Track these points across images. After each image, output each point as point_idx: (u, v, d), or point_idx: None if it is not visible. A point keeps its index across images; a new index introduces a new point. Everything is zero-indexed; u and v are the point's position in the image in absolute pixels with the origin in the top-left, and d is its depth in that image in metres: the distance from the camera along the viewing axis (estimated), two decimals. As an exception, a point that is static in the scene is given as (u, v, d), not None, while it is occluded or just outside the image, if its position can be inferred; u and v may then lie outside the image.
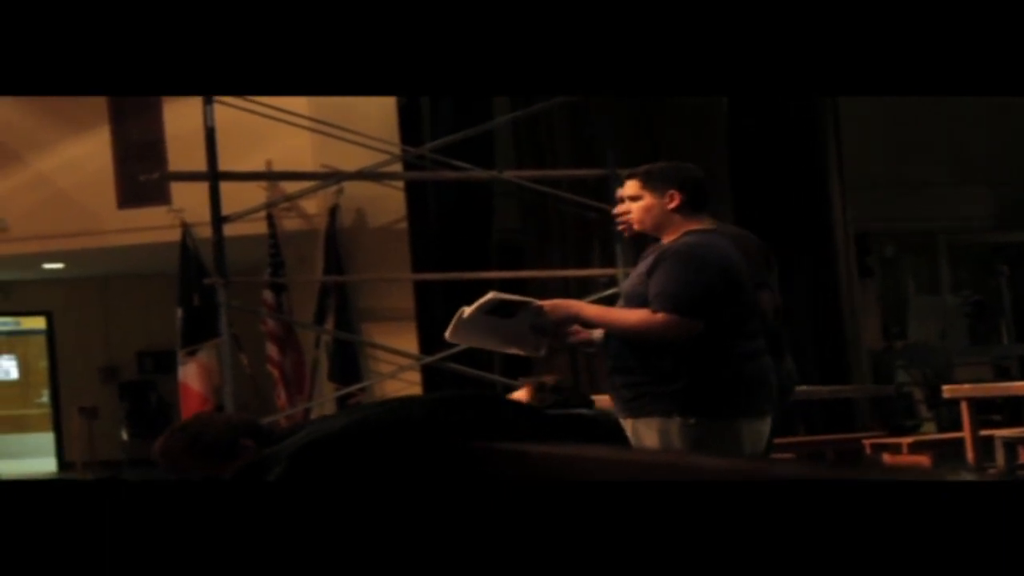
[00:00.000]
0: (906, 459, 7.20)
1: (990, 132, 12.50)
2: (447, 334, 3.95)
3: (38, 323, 15.70)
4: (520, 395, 4.15)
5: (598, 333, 3.96)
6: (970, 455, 6.41)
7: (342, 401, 9.55)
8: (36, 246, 11.33)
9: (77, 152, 10.94)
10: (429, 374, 9.70)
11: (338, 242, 10.12)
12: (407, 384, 9.70)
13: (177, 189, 10.35)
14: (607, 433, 3.74)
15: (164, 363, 12.92)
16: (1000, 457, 6.71)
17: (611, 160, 9.09)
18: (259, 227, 10.00)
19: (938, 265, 14.18)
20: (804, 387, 6.71)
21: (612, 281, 9.03)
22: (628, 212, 4.02)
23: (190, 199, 9.88)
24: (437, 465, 3.15)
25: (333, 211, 10.11)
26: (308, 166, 10.00)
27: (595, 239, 9.71)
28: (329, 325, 10.03)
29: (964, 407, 6.49)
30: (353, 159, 9.62)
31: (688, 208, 3.90)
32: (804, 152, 10.06)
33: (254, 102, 9.03)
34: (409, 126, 10.05)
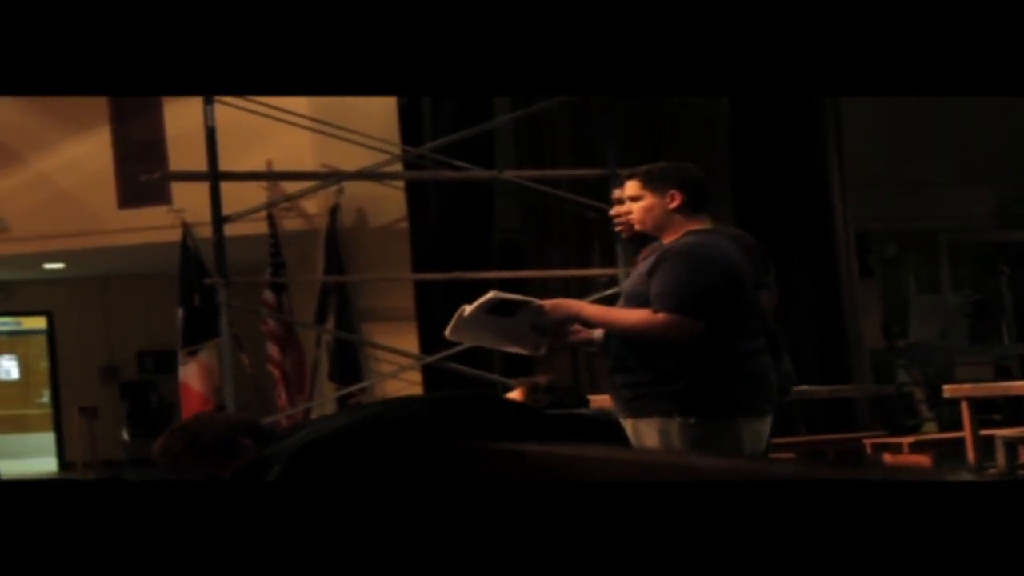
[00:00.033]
0: (907, 459, 7.20)
1: (990, 132, 12.50)
2: (447, 331, 3.95)
3: (39, 323, 15.70)
4: (514, 396, 4.15)
5: (598, 333, 3.96)
6: (971, 455, 6.41)
7: (343, 401, 9.55)
8: (37, 246, 11.33)
9: (77, 152, 10.94)
10: (430, 374, 9.70)
11: (339, 242, 10.12)
12: (408, 384, 9.70)
13: (178, 189, 10.35)
14: (607, 433, 3.74)
15: (165, 363, 12.92)
16: (1001, 457, 6.71)
17: (611, 160, 9.09)
18: (260, 227, 10.00)
19: (939, 265, 14.18)
20: (805, 387, 6.72)
21: (612, 281, 9.03)
22: (628, 213, 4.02)
23: (191, 199, 9.88)
24: (437, 465, 3.15)
25: (334, 211, 10.11)
26: (308, 166, 10.00)
27: (595, 239, 9.72)
28: (330, 325, 10.03)
29: (965, 407, 6.49)
30: (353, 159, 9.62)
31: (689, 208, 3.90)
32: (805, 152, 10.06)
33: (254, 102, 9.03)
34: (410, 126, 10.04)
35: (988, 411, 9.05)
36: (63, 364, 14.82)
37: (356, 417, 3.47)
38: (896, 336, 13.34)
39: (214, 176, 8.88)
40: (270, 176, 10.01)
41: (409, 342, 9.98)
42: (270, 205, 10.01)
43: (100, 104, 10.78)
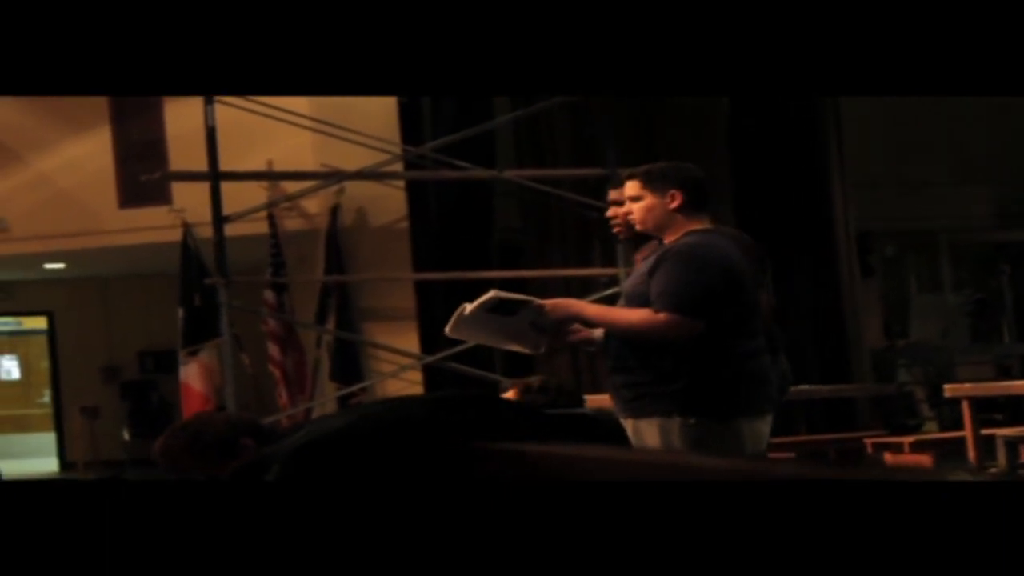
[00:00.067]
0: (907, 458, 7.19)
1: (990, 132, 12.50)
2: (447, 329, 3.95)
3: (39, 323, 15.71)
4: (508, 397, 4.15)
5: (599, 332, 3.96)
6: (971, 454, 6.41)
7: (343, 401, 9.55)
8: (37, 246, 11.34)
9: (78, 152, 10.94)
10: (430, 374, 9.70)
11: (339, 242, 10.13)
12: (408, 384, 9.70)
13: (178, 189, 10.35)
14: (607, 433, 3.74)
15: (165, 363, 12.93)
16: (1001, 456, 6.71)
17: (611, 160, 9.08)
18: (260, 227, 10.00)
19: (939, 264, 14.19)
20: (805, 386, 6.72)
21: (613, 281, 9.03)
22: (628, 213, 4.03)
23: (191, 199, 9.88)
24: (436, 465, 3.14)
25: (334, 211, 10.11)
26: (309, 166, 10.00)
27: (595, 239, 9.71)
28: (330, 325, 10.03)
29: (965, 406, 6.49)
30: (354, 159, 9.62)
31: (689, 208, 3.90)
32: (805, 152, 10.05)
33: (255, 102, 9.03)
34: (410, 126, 10.04)
35: (989, 410, 9.05)
36: (64, 364, 14.83)
37: (355, 417, 3.46)
38: (897, 335, 13.35)
39: (214, 176, 8.88)
40: (270, 176, 10.01)
41: (410, 342, 9.99)
42: (270, 205, 10.02)
43: (100, 104, 10.77)
